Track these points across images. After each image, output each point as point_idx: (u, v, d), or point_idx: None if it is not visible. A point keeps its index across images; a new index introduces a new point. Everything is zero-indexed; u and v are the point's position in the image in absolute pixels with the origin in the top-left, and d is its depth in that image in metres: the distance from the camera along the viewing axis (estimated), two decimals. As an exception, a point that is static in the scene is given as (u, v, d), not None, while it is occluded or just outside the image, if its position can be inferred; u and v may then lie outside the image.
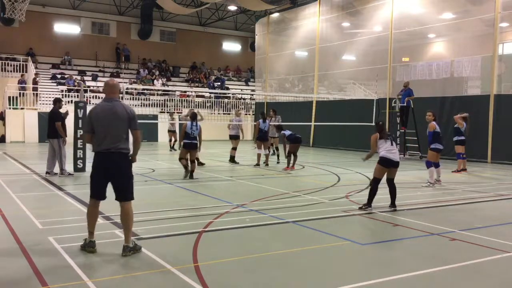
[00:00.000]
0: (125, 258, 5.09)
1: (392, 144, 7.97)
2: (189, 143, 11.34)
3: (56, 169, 11.57)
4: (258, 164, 14.41)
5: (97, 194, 5.41)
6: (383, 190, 8.22)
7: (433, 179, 10.79)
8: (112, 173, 5.33)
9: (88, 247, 5.28)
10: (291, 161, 13.63)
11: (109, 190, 5.46)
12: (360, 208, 7.88)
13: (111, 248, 5.44)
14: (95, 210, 5.47)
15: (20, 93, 25.14)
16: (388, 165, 7.85)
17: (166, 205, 8.08)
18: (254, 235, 6.32)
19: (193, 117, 11.67)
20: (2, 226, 6.41)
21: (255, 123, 15.27)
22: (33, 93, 25.53)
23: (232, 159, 15.29)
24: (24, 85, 25.70)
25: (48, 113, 11.85)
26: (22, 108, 24.71)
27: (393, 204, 7.99)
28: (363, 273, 4.77)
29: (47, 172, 11.51)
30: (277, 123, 15.54)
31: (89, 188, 5.48)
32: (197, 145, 11.46)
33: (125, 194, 5.36)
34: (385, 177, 8.00)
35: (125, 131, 5.39)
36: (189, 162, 11.52)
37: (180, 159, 11.61)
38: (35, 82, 26.37)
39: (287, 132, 13.81)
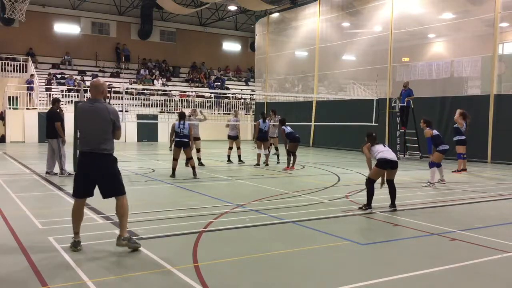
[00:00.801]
0: (125, 258, 5.09)
1: (384, 146, 8.03)
2: (178, 141, 11.58)
3: (56, 169, 11.58)
4: (258, 164, 14.41)
5: (83, 193, 5.43)
6: (382, 190, 8.22)
7: (434, 180, 10.79)
8: (96, 174, 5.36)
9: (72, 246, 5.31)
10: (291, 161, 13.64)
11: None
12: (360, 208, 7.88)
13: (111, 248, 5.43)
14: (80, 210, 5.48)
15: (28, 94, 25.16)
16: (386, 166, 7.80)
17: (166, 205, 8.07)
18: (254, 235, 6.32)
19: (181, 116, 11.84)
20: (2, 226, 6.41)
21: (255, 123, 15.28)
22: (47, 94, 25.58)
23: (229, 159, 15.36)
24: (32, 85, 25.72)
25: (46, 113, 11.84)
26: (34, 108, 24.75)
27: (393, 204, 7.97)
28: (363, 273, 4.77)
29: (47, 172, 11.52)
30: (277, 121, 15.62)
31: (73, 188, 5.50)
32: (188, 143, 11.64)
33: (115, 191, 5.43)
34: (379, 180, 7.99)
35: (108, 132, 5.40)
36: (194, 164, 11.71)
37: (173, 159, 11.74)
38: (49, 82, 26.40)
39: (287, 129, 13.85)
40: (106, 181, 5.39)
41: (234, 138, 15.52)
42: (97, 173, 5.35)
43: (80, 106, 5.63)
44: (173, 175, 11.56)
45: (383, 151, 7.87)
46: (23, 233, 6.03)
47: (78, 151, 5.53)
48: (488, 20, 17.36)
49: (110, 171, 5.40)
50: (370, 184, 7.82)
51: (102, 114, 5.34)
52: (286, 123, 14.14)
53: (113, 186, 5.42)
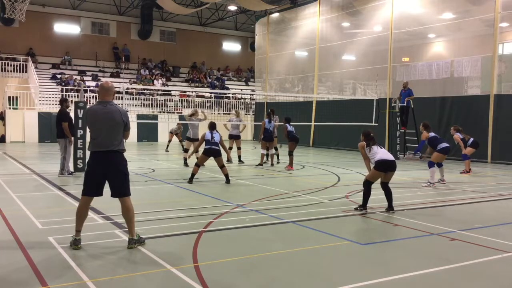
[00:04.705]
0: (124, 258, 5.10)
1: (381, 148, 7.86)
2: (209, 149, 10.78)
3: (71, 167, 11.72)
4: (261, 164, 14.42)
5: (93, 191, 5.50)
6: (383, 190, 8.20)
7: (433, 179, 10.80)
8: (109, 171, 5.46)
9: (73, 244, 5.36)
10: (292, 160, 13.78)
11: (105, 190, 5.54)
12: (356, 209, 7.83)
13: (111, 248, 5.45)
14: (86, 209, 5.55)
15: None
16: (385, 168, 7.65)
17: (166, 205, 8.08)
18: (254, 235, 6.32)
19: (211, 126, 11.16)
20: (2, 226, 6.41)
21: (259, 123, 15.32)
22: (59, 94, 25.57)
23: (228, 159, 15.37)
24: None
25: (57, 114, 11.94)
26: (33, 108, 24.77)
27: (390, 207, 7.76)
28: (363, 273, 4.76)
29: (69, 173, 11.60)
30: (275, 121, 15.70)
31: (83, 186, 5.56)
32: (219, 152, 10.88)
33: (122, 191, 5.51)
34: (378, 180, 7.84)
35: (120, 133, 5.54)
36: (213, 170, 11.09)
37: (196, 165, 11.05)
38: (66, 83, 26.31)
39: (289, 128, 14.01)
40: (118, 178, 5.48)
41: (235, 138, 15.54)
42: (111, 170, 5.44)
43: (91, 108, 5.63)
44: (190, 181, 10.74)
45: (380, 152, 7.72)
46: (23, 233, 6.03)
47: (89, 152, 5.60)
48: (488, 20, 17.37)
49: (122, 169, 5.52)
50: (367, 185, 7.72)
51: (115, 116, 5.45)
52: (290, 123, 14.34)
53: (124, 185, 5.51)
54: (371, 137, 7.90)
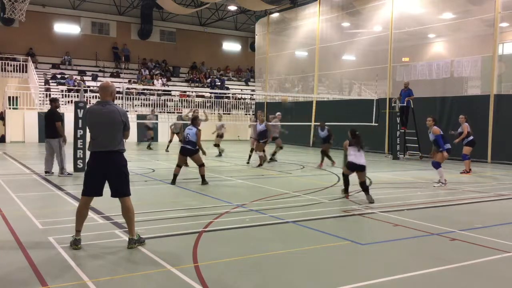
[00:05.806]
0: (124, 257, 5.10)
1: (359, 151, 8.75)
2: (182, 148, 10.49)
3: (55, 168, 11.59)
4: (261, 164, 14.46)
5: (93, 191, 5.51)
6: (383, 190, 8.22)
7: (443, 179, 10.79)
8: (109, 171, 5.46)
9: (73, 244, 5.36)
10: (329, 159, 14.98)
11: (105, 190, 5.54)
12: (342, 191, 9.15)
13: (111, 248, 5.45)
14: (86, 209, 5.56)
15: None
16: (353, 168, 8.75)
17: (166, 205, 8.08)
18: (254, 235, 6.32)
19: (191, 120, 10.73)
20: (2, 226, 6.41)
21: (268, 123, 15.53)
22: (47, 94, 25.54)
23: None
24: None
25: (45, 113, 11.80)
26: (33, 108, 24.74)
27: (346, 191, 9.13)
28: (363, 273, 4.76)
29: (46, 172, 11.52)
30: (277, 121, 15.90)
31: (83, 186, 5.56)
32: (191, 151, 10.38)
33: (123, 191, 5.52)
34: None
35: (119, 133, 5.54)
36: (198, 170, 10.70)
37: (176, 165, 10.67)
38: (47, 83, 26.30)
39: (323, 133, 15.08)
40: (119, 179, 5.49)
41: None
42: (111, 170, 5.45)
43: (90, 108, 5.65)
44: (173, 182, 10.41)
45: (354, 155, 8.71)
46: (23, 233, 6.03)
47: (89, 152, 5.62)
48: (488, 20, 17.36)
49: (123, 169, 5.53)
50: (344, 176, 9.13)
51: (114, 116, 5.45)
52: (323, 126, 15.29)
53: (124, 185, 5.52)
54: (356, 135, 8.97)
